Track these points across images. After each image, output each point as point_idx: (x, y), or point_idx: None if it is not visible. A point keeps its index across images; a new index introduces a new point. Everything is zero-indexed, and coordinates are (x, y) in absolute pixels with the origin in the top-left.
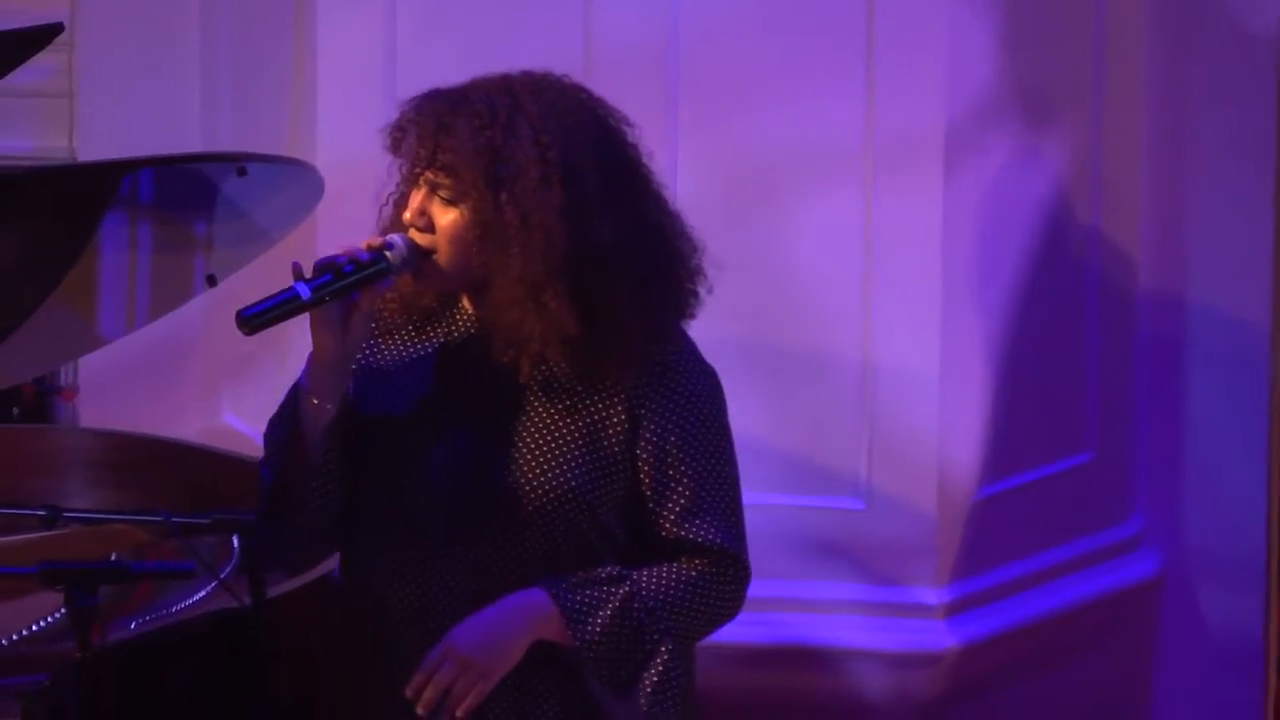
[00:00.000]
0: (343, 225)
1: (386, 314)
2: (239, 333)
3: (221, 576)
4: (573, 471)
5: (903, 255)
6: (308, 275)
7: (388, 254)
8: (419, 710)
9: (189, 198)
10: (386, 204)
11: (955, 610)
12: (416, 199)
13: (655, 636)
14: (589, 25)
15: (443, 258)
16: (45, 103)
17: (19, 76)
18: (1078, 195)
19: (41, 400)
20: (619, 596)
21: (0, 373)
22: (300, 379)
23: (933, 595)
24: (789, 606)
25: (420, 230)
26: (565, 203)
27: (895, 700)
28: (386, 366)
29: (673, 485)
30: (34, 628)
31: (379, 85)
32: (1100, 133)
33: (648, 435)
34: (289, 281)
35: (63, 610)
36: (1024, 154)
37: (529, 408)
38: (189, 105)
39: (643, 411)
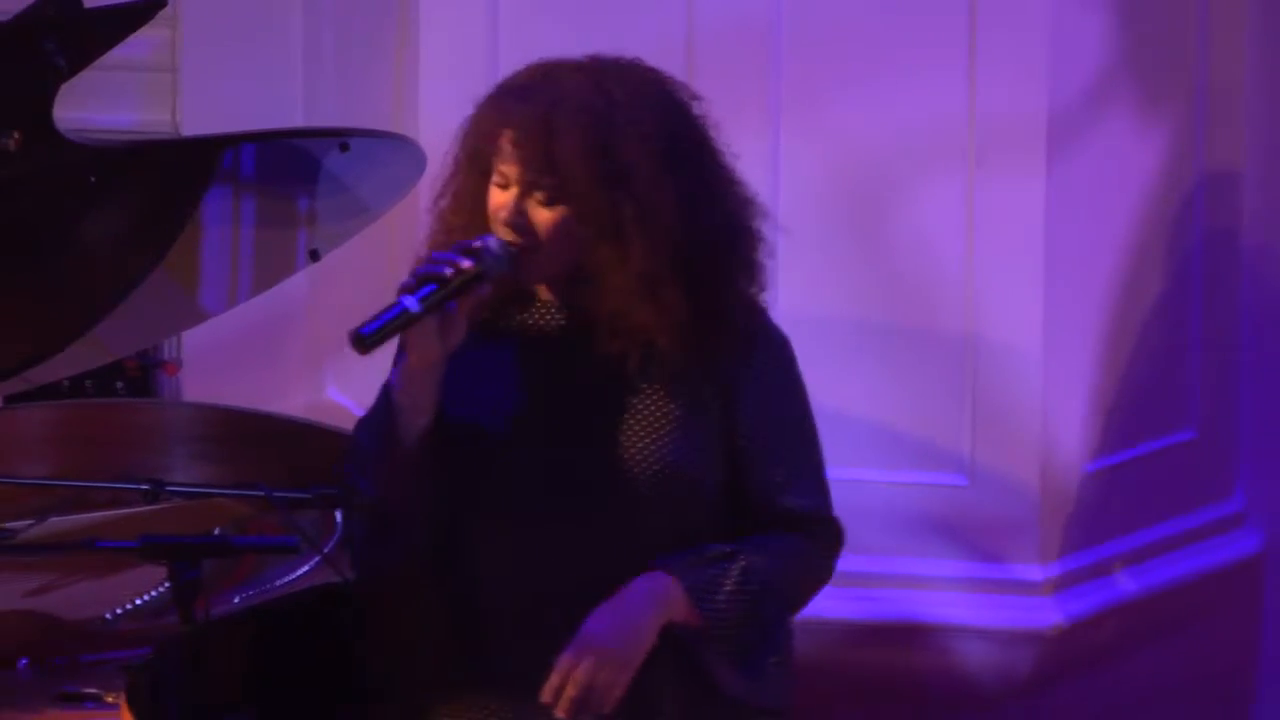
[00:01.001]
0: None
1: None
2: (343, 307)
3: (324, 551)
4: (675, 449)
5: (1006, 236)
6: (411, 286)
7: (485, 257)
8: (560, 713)
9: (291, 172)
10: (444, 197)
11: (1059, 587)
12: (506, 198)
13: (773, 610)
14: (692, 5)
15: (544, 255)
16: (148, 77)
17: (122, 50)
18: (1181, 175)
19: (145, 374)
20: (735, 572)
21: (104, 347)
22: (393, 388)
23: (1036, 572)
24: (892, 583)
25: (517, 230)
26: (676, 193)
27: (998, 677)
28: (469, 360)
29: (769, 455)
30: (137, 602)
31: (482, 60)
32: (1203, 113)
33: (743, 407)
34: (377, 261)
35: (166, 584)
36: (1127, 135)
37: (627, 391)
38: (292, 80)
39: (736, 384)
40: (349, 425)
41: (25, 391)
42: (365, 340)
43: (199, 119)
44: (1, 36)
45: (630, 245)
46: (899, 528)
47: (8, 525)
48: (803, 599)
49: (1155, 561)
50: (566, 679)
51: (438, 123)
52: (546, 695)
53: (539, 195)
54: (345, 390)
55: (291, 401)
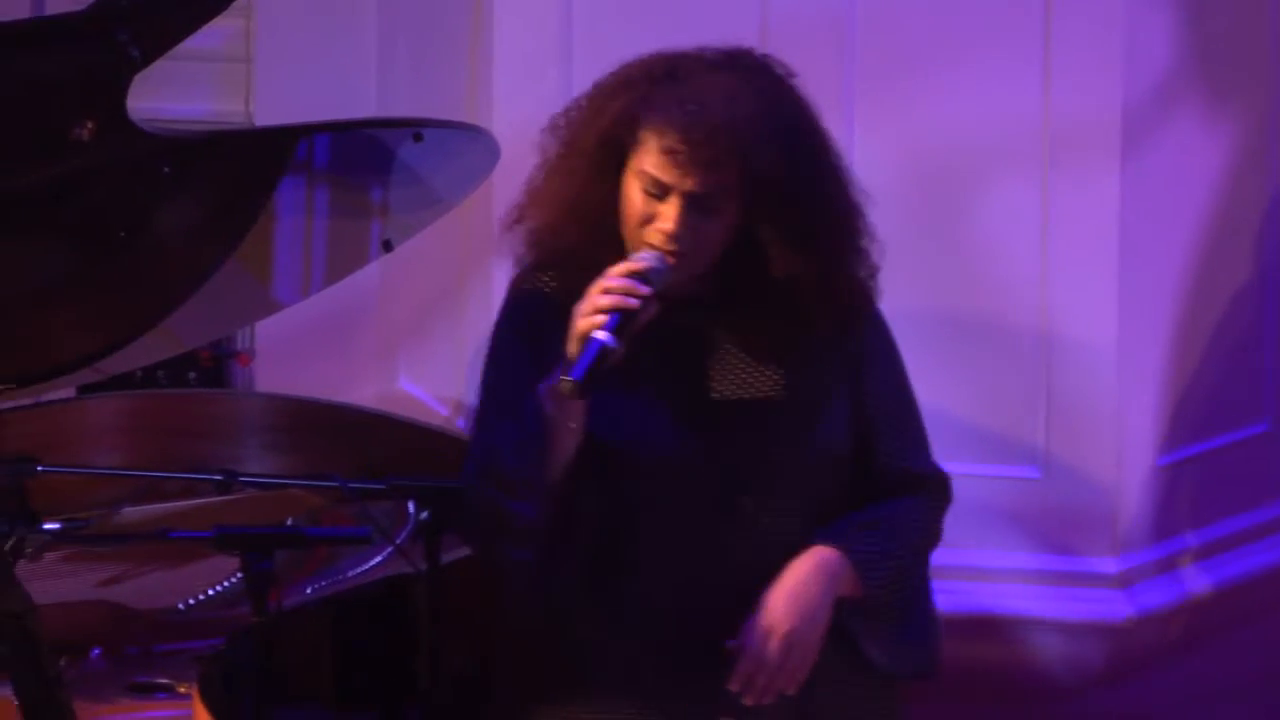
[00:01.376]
0: (519, 192)
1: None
2: (416, 298)
3: (397, 542)
4: (826, 428)
5: (1080, 230)
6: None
7: (651, 277)
8: (749, 701)
9: (365, 163)
10: (545, 206)
11: (1131, 580)
12: (662, 208)
13: (915, 574)
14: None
15: (696, 261)
16: (223, 67)
17: (197, 41)
18: (1253, 170)
19: (218, 365)
20: (882, 539)
21: (177, 337)
22: (545, 408)
23: (1109, 564)
24: (965, 575)
25: (677, 239)
26: (820, 185)
27: (1070, 669)
28: (620, 369)
29: (891, 422)
30: (210, 592)
31: (555, 51)
32: (1276, 108)
33: (868, 380)
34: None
35: (238, 575)
36: (1200, 130)
37: (775, 378)
38: (365, 70)
39: (862, 359)
40: (421, 416)
41: (98, 382)
42: (580, 386)
43: (273, 109)
44: (76, 26)
45: (786, 239)
46: (973, 520)
47: (81, 515)
48: (928, 559)
49: (1228, 555)
50: (755, 665)
51: (511, 113)
52: (735, 683)
53: (703, 202)
54: (417, 380)
55: (364, 392)
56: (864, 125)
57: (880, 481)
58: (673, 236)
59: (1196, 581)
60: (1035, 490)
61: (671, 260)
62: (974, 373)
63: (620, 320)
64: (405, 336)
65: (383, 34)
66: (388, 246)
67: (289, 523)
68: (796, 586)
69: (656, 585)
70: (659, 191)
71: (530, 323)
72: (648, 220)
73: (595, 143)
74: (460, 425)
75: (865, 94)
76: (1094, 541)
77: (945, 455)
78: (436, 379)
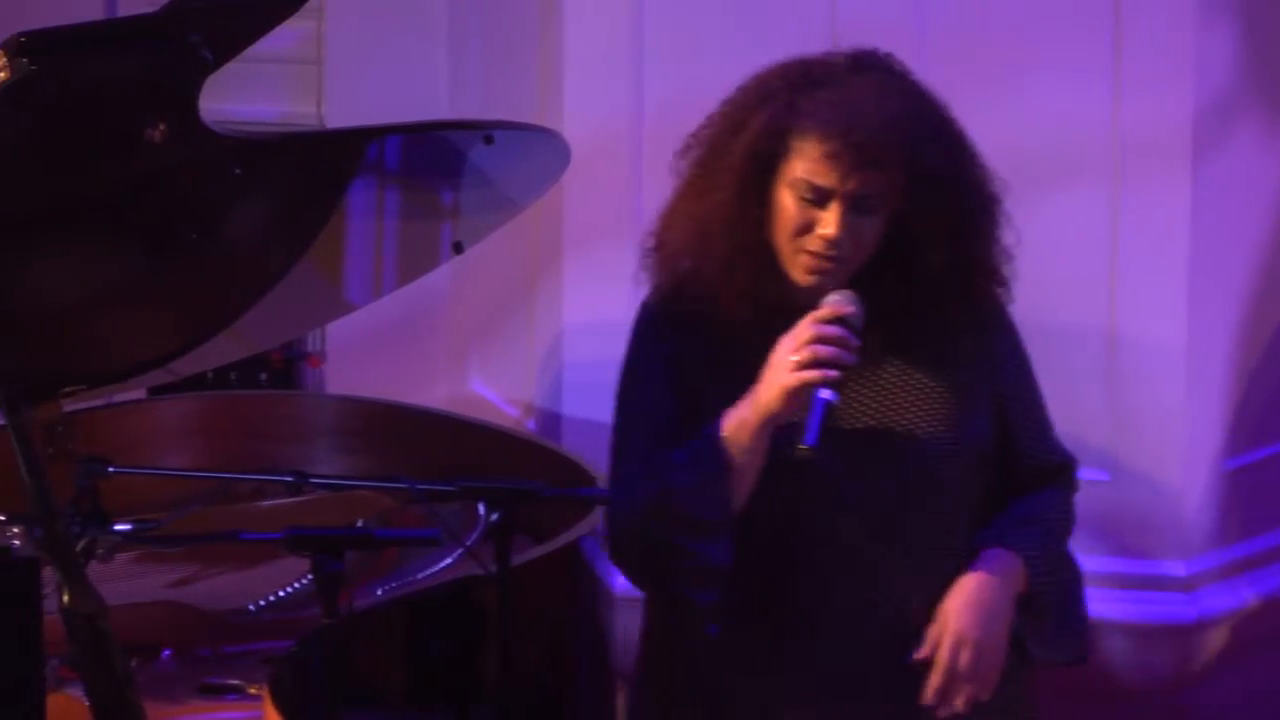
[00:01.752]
0: (589, 193)
1: (735, 317)
2: (486, 300)
3: (467, 544)
4: (975, 422)
5: (1149, 236)
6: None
7: (850, 320)
8: (943, 712)
9: (436, 165)
10: (688, 224)
11: (1199, 583)
12: (823, 214)
13: (1071, 564)
14: (835, 5)
15: (852, 264)
16: (294, 69)
17: (268, 43)
18: None
19: (288, 366)
20: (1039, 534)
21: (248, 339)
22: (725, 446)
23: (1179, 567)
24: None
25: (837, 244)
26: (967, 181)
27: (1139, 672)
28: (753, 370)
29: (1027, 414)
30: (280, 594)
31: (626, 54)
32: None
33: (1005, 373)
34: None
35: (309, 576)
36: (1270, 138)
37: (927, 376)
38: (437, 72)
39: (999, 353)
40: (492, 418)
41: (170, 383)
42: (814, 449)
43: (344, 111)
44: (148, 28)
45: (942, 232)
46: None
47: (152, 516)
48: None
49: None
50: (949, 677)
51: (582, 116)
52: (930, 696)
53: (863, 203)
54: (488, 383)
55: (435, 394)
56: None
57: (1022, 476)
58: (834, 241)
59: (1264, 584)
60: (1103, 493)
61: (829, 265)
62: (1043, 377)
63: (839, 376)
64: (476, 339)
65: (453, 35)
66: (459, 249)
67: (359, 524)
68: (978, 593)
69: (822, 601)
70: (817, 197)
71: (673, 347)
72: (805, 229)
73: (742, 157)
74: (530, 427)
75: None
76: (1161, 545)
77: None
78: (507, 381)
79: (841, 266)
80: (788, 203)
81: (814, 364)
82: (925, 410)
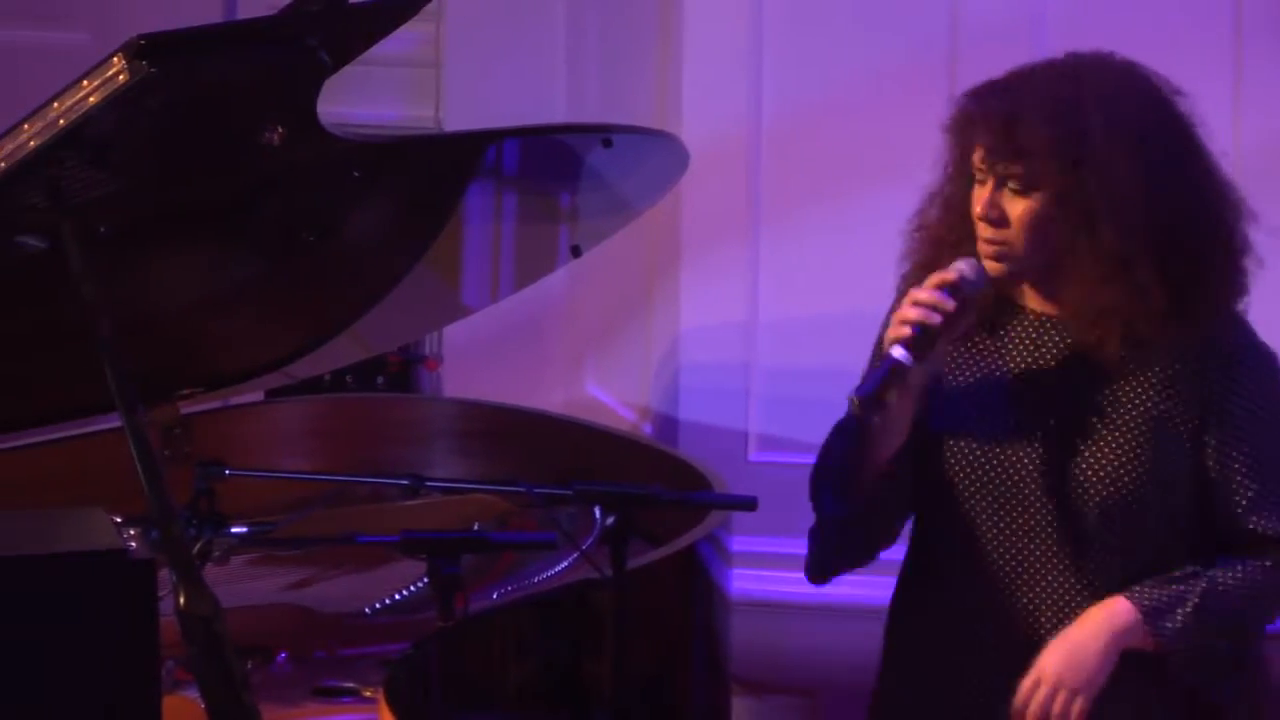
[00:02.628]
0: (707, 196)
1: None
2: (603, 304)
3: (583, 548)
4: (1149, 462)
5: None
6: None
7: (962, 289)
8: None
9: (554, 168)
10: (931, 206)
11: None
12: (984, 193)
13: (1232, 633)
14: (956, 13)
15: (1018, 248)
16: (412, 72)
17: (386, 46)
18: None
19: (406, 369)
20: (1197, 592)
21: (366, 341)
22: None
23: None
24: None
25: (993, 223)
26: (1147, 179)
27: None
28: (956, 376)
29: (1239, 474)
30: (396, 597)
31: (744, 60)
32: None
33: (1216, 421)
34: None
35: (425, 579)
36: None
37: (1106, 385)
38: (555, 76)
39: (1211, 396)
40: (609, 421)
41: (287, 386)
42: (865, 404)
43: (462, 114)
44: (266, 31)
45: (1099, 226)
46: None
47: (269, 519)
48: (1263, 624)
49: None
50: (1025, 709)
51: (700, 121)
52: None
53: (1011, 185)
54: (605, 386)
55: (551, 397)
56: None
57: (1222, 534)
58: (981, 215)
59: None
60: None
61: (992, 249)
62: None
63: (921, 336)
64: (592, 342)
65: (571, 39)
66: (576, 252)
67: (476, 528)
68: (1076, 637)
69: (979, 590)
70: (982, 178)
71: None
72: (974, 206)
73: (947, 144)
74: (647, 431)
75: None
76: None
77: None
78: (624, 385)
79: (1008, 251)
80: (975, 186)
81: (901, 323)
82: (1116, 427)
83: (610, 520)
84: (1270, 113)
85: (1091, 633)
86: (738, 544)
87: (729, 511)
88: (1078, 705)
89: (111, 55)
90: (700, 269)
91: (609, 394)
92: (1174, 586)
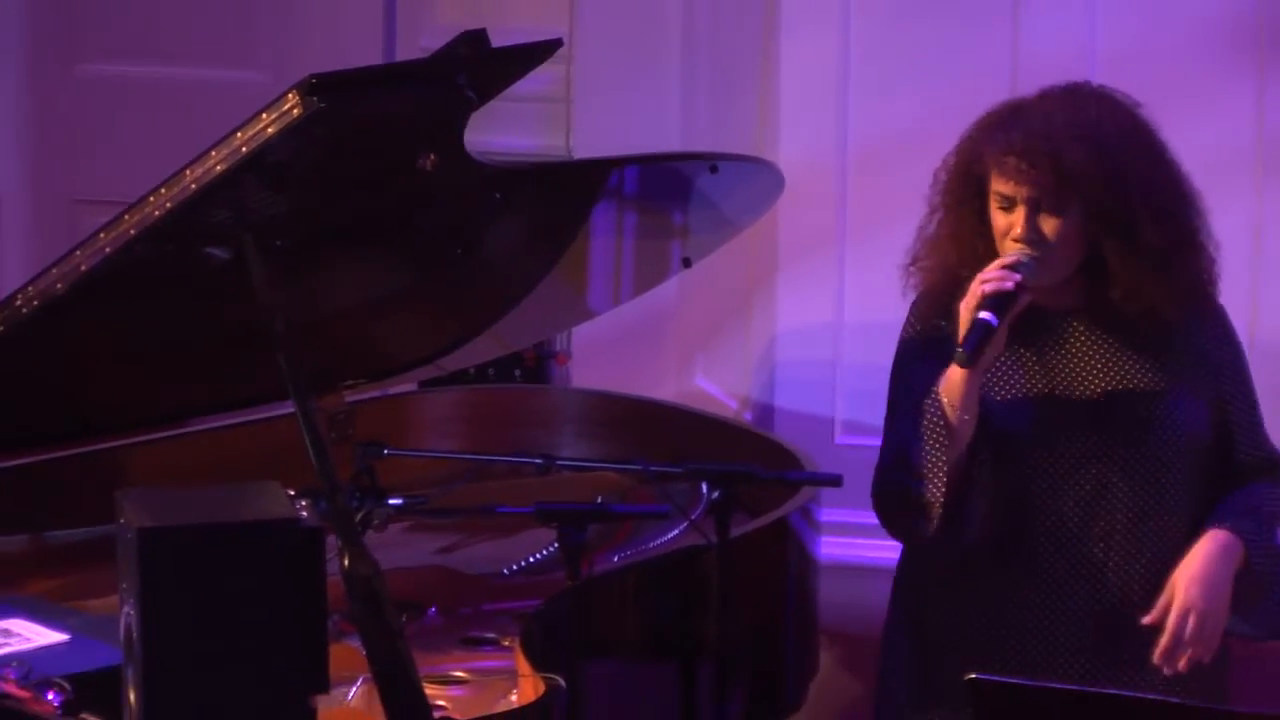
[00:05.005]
0: (800, 215)
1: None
2: (710, 308)
3: (692, 518)
4: (1188, 412)
5: None
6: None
7: (1024, 270)
8: (1169, 672)
9: (668, 190)
10: (942, 228)
11: None
12: (1018, 217)
13: (1277, 550)
14: (1016, 41)
15: (1054, 261)
16: (545, 107)
17: (524, 85)
18: None
19: (539, 364)
20: (1257, 521)
21: (505, 339)
22: (939, 398)
23: None
24: None
25: (1032, 243)
26: (1165, 184)
27: None
28: (1011, 365)
29: (1247, 416)
30: (531, 560)
31: (832, 95)
32: None
33: (1226, 381)
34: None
35: (555, 545)
36: None
37: (1144, 367)
38: (669, 110)
39: (1219, 360)
40: (714, 409)
41: (437, 378)
42: (969, 356)
43: (589, 143)
44: (421, 71)
45: (1141, 228)
46: None
47: (421, 492)
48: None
49: None
50: (1175, 641)
51: (794, 150)
52: (1159, 657)
53: (1043, 204)
54: (711, 379)
55: (665, 388)
56: None
57: (1240, 470)
58: (1022, 238)
59: None
60: None
61: (1034, 252)
62: None
63: (1000, 302)
64: (701, 340)
65: (684, 78)
66: (687, 263)
67: (599, 500)
68: (1206, 568)
69: (1050, 564)
70: (1008, 205)
71: (926, 339)
72: (1006, 234)
73: (957, 178)
74: (747, 418)
75: None
76: None
77: None
78: (728, 377)
79: (1045, 261)
80: (994, 213)
81: (979, 297)
82: (1156, 401)
83: (715, 494)
84: None
85: (1218, 563)
86: (825, 515)
87: (817, 487)
88: (1220, 628)
89: (287, 92)
90: (794, 278)
91: (715, 385)
92: (1246, 517)
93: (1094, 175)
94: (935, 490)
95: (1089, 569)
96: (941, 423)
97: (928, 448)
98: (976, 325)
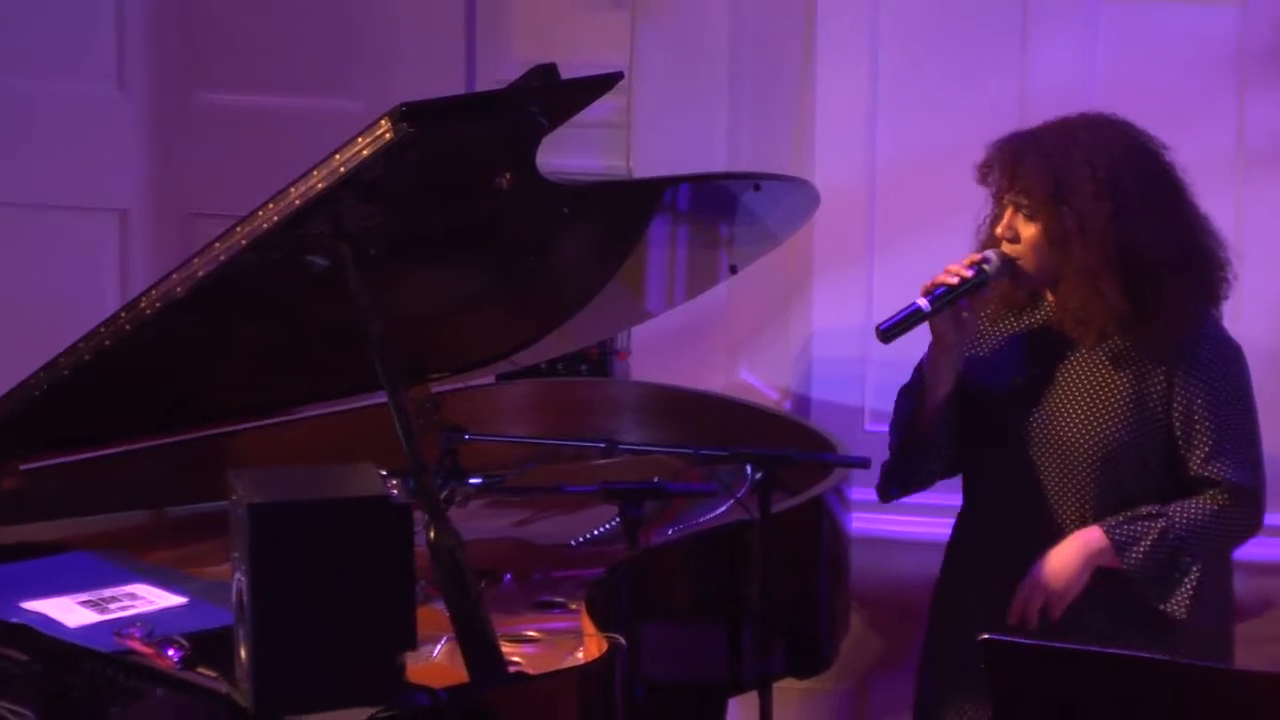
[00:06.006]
0: (834, 227)
1: (991, 309)
2: (754, 310)
3: (737, 496)
4: (1124, 424)
5: (1273, 241)
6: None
7: (985, 267)
8: (1013, 621)
9: (717, 206)
10: (983, 224)
11: None
12: (1006, 217)
13: (1188, 559)
14: (1024, 74)
15: (1026, 262)
16: (608, 132)
17: (589, 113)
18: None
19: (602, 359)
20: (1157, 528)
21: (572, 337)
22: (923, 363)
23: None
24: None
25: (1009, 241)
26: (1112, 211)
27: None
28: (991, 348)
29: (1198, 435)
30: (595, 532)
31: (863, 122)
32: None
33: (1179, 396)
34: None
35: (616, 520)
36: None
37: (1089, 370)
38: (717, 134)
39: (1177, 378)
40: (757, 399)
41: (512, 371)
42: (885, 333)
43: (648, 164)
44: (498, 100)
45: (1072, 248)
46: None
47: (498, 473)
48: (1221, 550)
49: None
50: (1022, 606)
51: (829, 169)
52: (1012, 618)
53: (1021, 212)
54: (755, 372)
55: (714, 381)
56: None
57: (1188, 483)
58: (999, 234)
59: None
60: None
61: (1008, 257)
62: None
63: (943, 293)
64: (746, 339)
65: (731, 107)
66: (734, 270)
67: (655, 480)
68: (1060, 555)
69: (1008, 514)
70: (1001, 208)
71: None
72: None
73: (982, 183)
74: (787, 407)
75: None
76: None
77: None
78: (769, 371)
79: (1020, 262)
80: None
81: (930, 284)
82: (1090, 402)
83: (758, 475)
84: (1271, 106)
85: (1071, 553)
86: (855, 493)
87: (848, 469)
88: (1060, 604)
89: (380, 118)
90: (828, 283)
91: (757, 379)
92: (1139, 523)
93: (1038, 191)
94: (894, 438)
95: (1019, 546)
96: (916, 387)
97: (902, 404)
98: (905, 307)
